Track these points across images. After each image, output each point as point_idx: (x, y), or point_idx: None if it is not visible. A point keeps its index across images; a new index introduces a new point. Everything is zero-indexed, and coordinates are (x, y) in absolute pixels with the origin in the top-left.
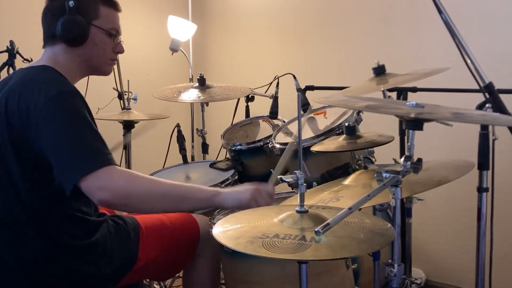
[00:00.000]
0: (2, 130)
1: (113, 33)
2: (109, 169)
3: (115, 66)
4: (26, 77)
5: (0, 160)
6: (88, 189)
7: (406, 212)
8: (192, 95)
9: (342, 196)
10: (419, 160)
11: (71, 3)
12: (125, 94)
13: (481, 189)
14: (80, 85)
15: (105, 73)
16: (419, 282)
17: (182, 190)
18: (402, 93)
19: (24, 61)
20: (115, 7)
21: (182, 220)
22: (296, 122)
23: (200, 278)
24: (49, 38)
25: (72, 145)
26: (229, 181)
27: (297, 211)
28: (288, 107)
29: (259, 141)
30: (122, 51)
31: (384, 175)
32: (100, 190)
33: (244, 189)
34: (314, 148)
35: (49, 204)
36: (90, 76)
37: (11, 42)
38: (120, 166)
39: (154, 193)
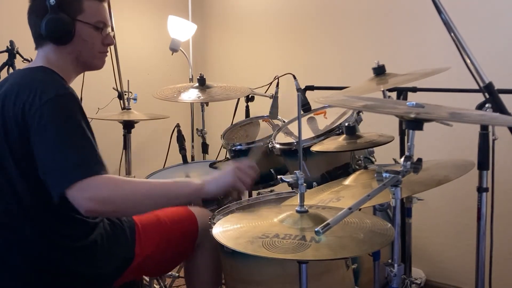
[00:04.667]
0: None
1: (100, 26)
2: (93, 179)
3: (115, 66)
4: (23, 78)
5: None
6: (74, 199)
7: (406, 212)
8: (192, 95)
9: (342, 196)
10: (419, 160)
11: (52, 1)
12: (125, 94)
13: (481, 189)
14: (76, 85)
15: (97, 67)
16: (419, 282)
17: (167, 188)
18: (402, 93)
19: (24, 61)
20: None
21: (179, 214)
22: (296, 122)
23: (201, 269)
24: (38, 39)
25: (60, 153)
26: None
27: (297, 211)
28: (288, 107)
29: (259, 141)
30: (111, 43)
31: (384, 175)
32: (85, 201)
33: (225, 172)
34: (314, 148)
35: (46, 206)
36: (90, 76)
37: (11, 42)
38: (107, 173)
39: (138, 196)
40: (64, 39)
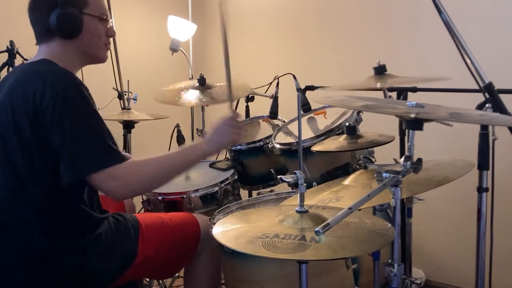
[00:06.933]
0: (8, 126)
1: (104, 17)
2: (122, 167)
3: (115, 66)
4: (28, 71)
5: (6, 155)
6: (100, 184)
7: (406, 212)
8: (193, 97)
9: (342, 196)
10: (419, 160)
11: None
12: (125, 94)
13: (481, 189)
14: None
15: (103, 59)
16: (419, 282)
17: (182, 157)
18: (402, 93)
19: (24, 61)
20: None
21: (183, 219)
22: (296, 122)
23: (200, 276)
24: (42, 34)
25: (85, 141)
26: (229, 181)
27: (297, 211)
28: (288, 107)
29: (259, 141)
30: (114, 34)
31: (384, 175)
32: (117, 188)
33: (222, 133)
34: (314, 148)
35: (54, 199)
36: (90, 76)
37: (11, 42)
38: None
39: (162, 172)
40: (73, 33)
